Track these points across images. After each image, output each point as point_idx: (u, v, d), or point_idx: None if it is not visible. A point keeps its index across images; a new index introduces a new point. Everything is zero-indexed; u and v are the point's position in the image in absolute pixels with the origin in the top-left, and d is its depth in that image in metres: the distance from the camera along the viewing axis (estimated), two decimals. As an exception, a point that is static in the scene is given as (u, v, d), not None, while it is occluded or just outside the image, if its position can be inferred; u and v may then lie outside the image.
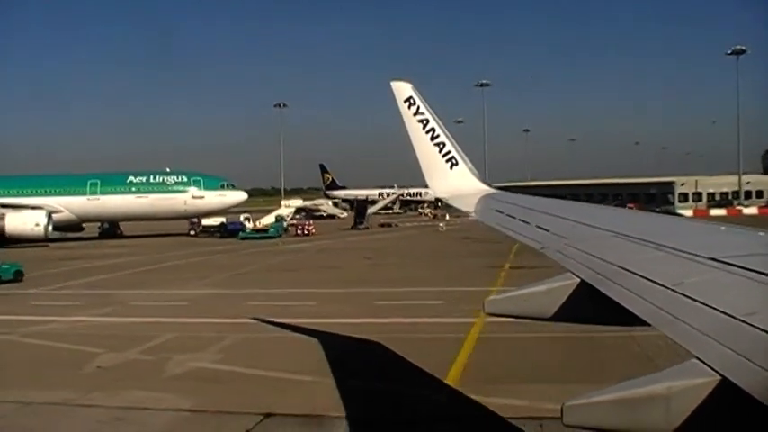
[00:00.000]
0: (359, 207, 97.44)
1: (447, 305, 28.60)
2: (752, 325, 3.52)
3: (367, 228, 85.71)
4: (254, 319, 26.50)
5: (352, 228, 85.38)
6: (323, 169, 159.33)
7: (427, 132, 14.66)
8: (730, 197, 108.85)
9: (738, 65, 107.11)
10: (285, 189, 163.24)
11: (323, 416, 15.40)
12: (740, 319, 3.63)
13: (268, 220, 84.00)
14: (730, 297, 4.04)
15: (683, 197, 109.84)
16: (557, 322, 5.99)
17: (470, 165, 14.92)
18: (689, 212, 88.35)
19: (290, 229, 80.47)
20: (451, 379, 17.89)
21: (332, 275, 41.76)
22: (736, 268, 4.52)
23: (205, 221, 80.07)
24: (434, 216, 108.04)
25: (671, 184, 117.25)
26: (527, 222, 9.48)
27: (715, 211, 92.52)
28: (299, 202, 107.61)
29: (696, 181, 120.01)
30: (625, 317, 4.62)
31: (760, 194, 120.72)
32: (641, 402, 3.46)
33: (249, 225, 78.49)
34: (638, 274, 5.12)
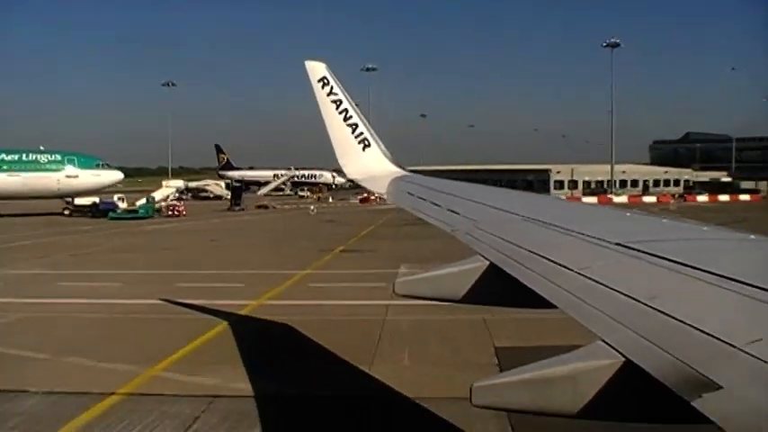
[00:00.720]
0: (235, 189, 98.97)
1: (244, 288, 29.63)
2: (654, 308, 3.60)
3: (243, 209, 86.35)
4: (41, 298, 27.79)
5: (228, 209, 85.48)
6: (218, 149, 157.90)
7: (340, 113, 14.54)
8: (605, 185, 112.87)
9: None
10: (175, 169, 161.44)
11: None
12: (644, 303, 3.71)
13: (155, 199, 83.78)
14: (635, 281, 4.13)
15: (559, 184, 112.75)
16: (466, 304, 6.04)
17: (383, 147, 14.89)
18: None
19: (162, 209, 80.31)
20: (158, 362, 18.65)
21: (165, 257, 43.04)
22: (640, 253, 4.64)
23: (78, 201, 79.32)
24: (318, 198, 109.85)
25: (547, 171, 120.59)
26: (438, 205, 9.51)
27: (587, 199, 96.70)
28: (179, 183, 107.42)
29: (572, 169, 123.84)
30: (533, 299, 4.67)
31: (635, 183, 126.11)
32: (548, 383, 3.50)
33: (122, 205, 78.29)
34: (546, 258, 5.19)
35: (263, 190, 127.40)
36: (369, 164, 14.48)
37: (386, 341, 20.84)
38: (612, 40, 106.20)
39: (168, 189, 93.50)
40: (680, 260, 4.22)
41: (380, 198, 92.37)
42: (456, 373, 16.80)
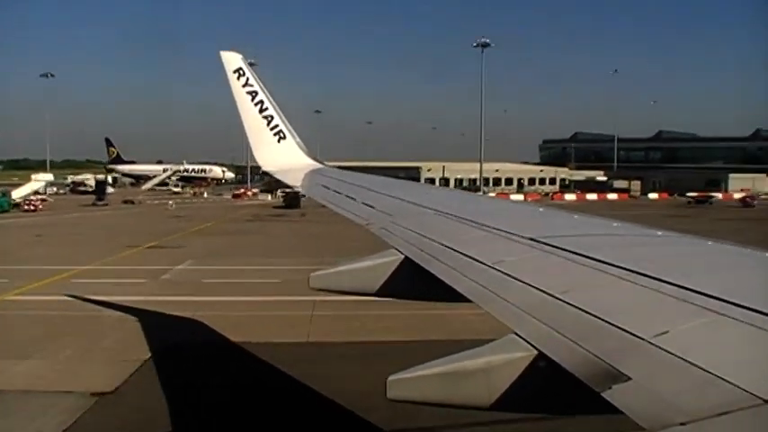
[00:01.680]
0: (98, 184, 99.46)
1: (7, 283, 29.14)
2: (565, 302, 3.66)
3: (106, 204, 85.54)
4: None
5: (92, 204, 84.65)
6: (108, 143, 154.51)
7: (256, 105, 14.32)
8: (478, 183, 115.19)
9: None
10: (57, 162, 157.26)
11: None
12: (555, 297, 3.77)
13: (19, 193, 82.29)
14: (547, 275, 4.20)
15: (431, 182, 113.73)
16: (381, 298, 6.03)
17: (299, 139, 14.75)
18: None
19: (21, 204, 78.48)
20: None
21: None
22: (552, 248, 4.72)
23: None
24: (194, 193, 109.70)
25: (417, 169, 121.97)
26: (353, 198, 9.48)
27: None
28: (49, 177, 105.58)
29: (444, 166, 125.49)
30: (447, 293, 4.69)
31: (510, 181, 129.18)
32: (463, 376, 3.51)
33: None
34: (460, 252, 5.23)
35: (147, 185, 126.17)
36: (284, 156, 14.32)
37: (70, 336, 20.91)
38: (483, 40, 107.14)
39: (37, 183, 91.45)
40: (591, 255, 4.32)
41: (254, 193, 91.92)
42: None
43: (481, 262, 4.80)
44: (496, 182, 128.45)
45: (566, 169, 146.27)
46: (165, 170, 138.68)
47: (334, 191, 10.56)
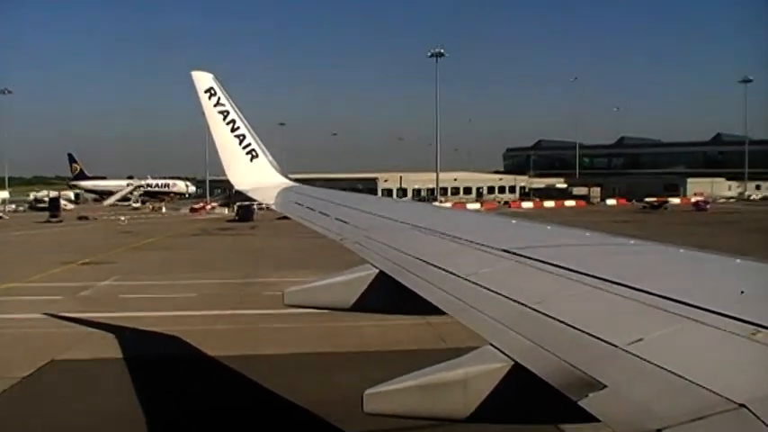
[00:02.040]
0: (51, 201, 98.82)
1: None
2: (540, 312, 3.68)
3: (60, 221, 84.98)
4: None
5: (45, 221, 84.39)
6: (71, 159, 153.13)
7: (228, 124, 14.29)
8: (436, 193, 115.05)
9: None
10: (28, 178, 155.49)
11: None
12: (530, 307, 3.78)
13: None
14: (521, 286, 4.21)
15: (388, 192, 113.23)
16: (356, 312, 6.02)
17: (270, 158, 14.73)
18: None
19: None
20: None
21: None
22: (526, 259, 4.75)
23: None
24: (152, 208, 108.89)
25: (374, 180, 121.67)
26: (326, 214, 9.48)
27: None
28: (4, 194, 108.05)
29: (401, 177, 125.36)
30: (423, 306, 4.69)
31: (468, 191, 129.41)
32: (440, 388, 3.50)
33: None
34: (434, 265, 5.23)
35: (109, 200, 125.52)
36: (256, 175, 14.28)
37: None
38: (437, 50, 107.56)
39: None
40: (564, 265, 4.34)
41: (212, 207, 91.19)
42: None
43: (455, 274, 4.81)
44: (455, 191, 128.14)
45: (526, 177, 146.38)
46: (129, 185, 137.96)
47: (308, 207, 10.54)
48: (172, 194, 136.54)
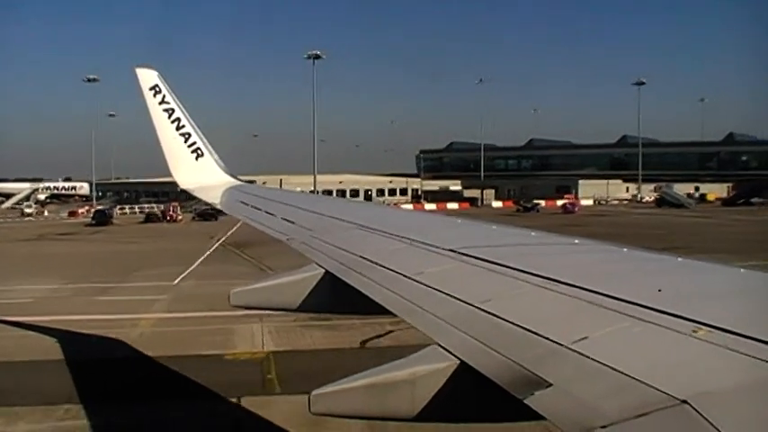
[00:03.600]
0: None
1: None
2: (487, 312, 3.69)
3: None
4: None
5: None
6: None
7: (173, 122, 14.03)
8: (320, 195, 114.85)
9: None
10: None
11: None
12: (476, 306, 3.79)
13: None
14: (467, 286, 4.22)
15: None
16: (303, 313, 5.97)
17: (216, 156, 14.52)
18: None
19: None
20: None
21: None
22: (472, 259, 4.76)
23: None
24: (37, 212, 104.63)
25: (253, 182, 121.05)
26: (272, 214, 9.39)
27: None
28: None
29: (281, 180, 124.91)
30: (369, 306, 4.66)
31: (355, 193, 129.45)
32: (387, 388, 3.47)
33: None
34: (380, 265, 5.22)
35: (7, 203, 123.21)
36: (202, 174, 14.07)
37: None
38: (314, 52, 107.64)
39: None
40: (510, 264, 4.37)
41: (89, 211, 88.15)
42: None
43: (402, 274, 4.80)
44: (341, 194, 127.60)
45: (418, 179, 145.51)
46: (32, 189, 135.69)
47: (253, 207, 10.43)
48: (77, 197, 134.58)
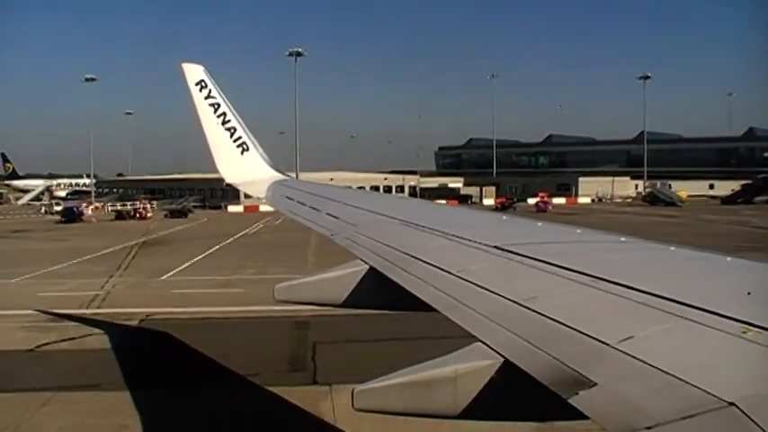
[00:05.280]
0: None
1: None
2: (532, 309, 3.67)
3: None
4: None
5: None
6: (4, 158, 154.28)
7: (218, 117, 14.22)
8: None
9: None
10: None
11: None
12: (521, 304, 3.78)
13: None
14: (512, 283, 4.20)
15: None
16: (347, 308, 6.01)
17: (262, 151, 14.67)
18: (239, 208, 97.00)
19: None
20: None
21: None
22: (516, 256, 4.74)
23: None
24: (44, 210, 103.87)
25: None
26: (317, 209, 9.46)
27: (265, 206, 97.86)
28: None
29: None
30: (413, 302, 4.68)
31: None
32: (429, 385, 3.49)
33: None
34: (424, 261, 5.22)
35: (23, 200, 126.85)
36: (247, 168, 14.23)
37: None
38: (296, 49, 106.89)
39: None
40: (555, 262, 4.34)
41: (103, 207, 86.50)
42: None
43: (446, 271, 4.80)
44: None
45: (416, 177, 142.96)
46: (58, 185, 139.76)
47: (299, 202, 10.52)
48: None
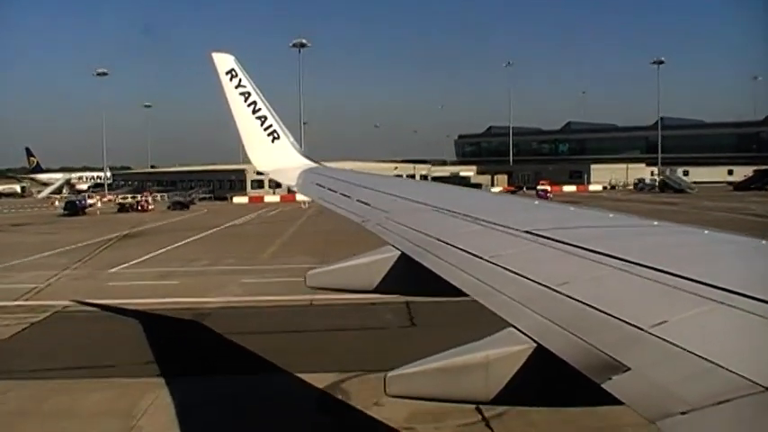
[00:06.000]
0: None
1: None
2: (564, 294, 3.65)
3: None
4: None
5: None
6: (28, 153, 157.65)
7: (249, 105, 14.30)
8: None
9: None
10: None
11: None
12: (553, 289, 3.76)
13: None
14: (544, 268, 4.19)
15: (258, 184, 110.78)
16: (379, 294, 6.04)
17: (292, 139, 14.74)
18: (244, 199, 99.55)
19: None
20: None
21: None
22: (549, 240, 4.71)
23: None
24: (51, 203, 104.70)
25: (243, 171, 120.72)
26: (348, 196, 9.48)
27: (269, 197, 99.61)
28: None
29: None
30: (445, 288, 4.68)
31: None
32: (461, 371, 3.50)
33: None
34: (456, 247, 5.22)
35: (43, 193, 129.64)
36: (278, 156, 14.31)
37: None
38: (299, 41, 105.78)
39: None
40: (587, 246, 4.31)
41: (115, 200, 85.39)
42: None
43: (478, 256, 4.79)
44: None
45: (427, 165, 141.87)
46: (80, 178, 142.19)
47: (329, 189, 10.56)
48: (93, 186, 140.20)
